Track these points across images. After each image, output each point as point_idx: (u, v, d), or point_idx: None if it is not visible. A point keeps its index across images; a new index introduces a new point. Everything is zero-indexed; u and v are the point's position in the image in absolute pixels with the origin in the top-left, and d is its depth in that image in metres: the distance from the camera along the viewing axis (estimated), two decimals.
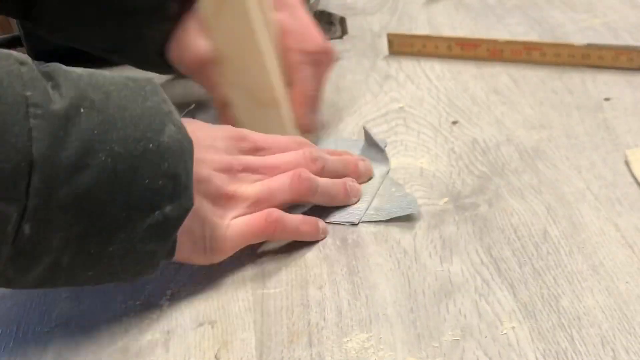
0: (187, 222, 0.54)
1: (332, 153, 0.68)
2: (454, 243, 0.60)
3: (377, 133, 0.76)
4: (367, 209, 0.65)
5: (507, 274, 0.57)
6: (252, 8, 0.68)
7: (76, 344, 0.56)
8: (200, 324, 0.56)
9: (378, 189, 0.68)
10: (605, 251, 0.58)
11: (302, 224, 0.62)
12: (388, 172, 0.70)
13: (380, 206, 0.65)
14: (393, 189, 0.67)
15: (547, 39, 0.90)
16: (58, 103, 0.49)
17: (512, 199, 0.65)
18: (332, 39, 0.92)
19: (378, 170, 0.70)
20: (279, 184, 0.61)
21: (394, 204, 0.65)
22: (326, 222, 0.64)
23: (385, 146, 0.73)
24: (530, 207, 0.63)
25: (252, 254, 0.62)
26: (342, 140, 0.75)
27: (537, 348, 0.50)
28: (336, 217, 0.65)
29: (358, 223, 0.64)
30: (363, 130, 0.74)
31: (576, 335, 0.51)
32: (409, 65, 0.89)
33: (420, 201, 0.66)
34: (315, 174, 0.63)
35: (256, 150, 0.64)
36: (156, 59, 0.76)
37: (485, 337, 0.52)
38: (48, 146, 0.47)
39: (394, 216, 0.64)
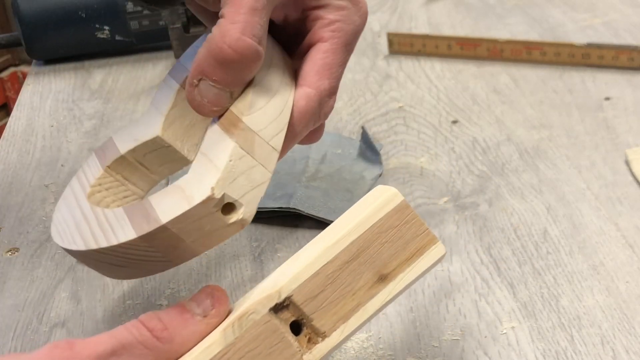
0: None
1: None
2: (454, 242, 0.60)
3: (376, 132, 0.76)
4: None
5: (507, 274, 0.57)
6: None
7: None
8: None
9: (368, 192, 0.67)
10: (605, 251, 0.58)
11: None
12: (380, 175, 0.70)
13: None
14: None
15: (547, 38, 0.90)
16: None
17: (512, 199, 0.64)
18: None
19: (370, 171, 0.70)
20: None
21: None
22: (311, 216, 0.64)
23: (380, 149, 0.73)
24: (531, 207, 0.63)
25: (251, 253, 0.62)
26: (340, 137, 0.75)
27: (537, 348, 0.50)
28: (322, 213, 0.64)
29: None
30: (362, 130, 0.73)
31: (576, 334, 0.51)
32: (408, 65, 0.89)
33: (420, 200, 0.66)
34: None
35: None
36: None
37: (485, 336, 0.51)
38: None
39: None
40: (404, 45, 0.91)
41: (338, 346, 0.41)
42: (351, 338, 0.52)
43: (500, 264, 0.58)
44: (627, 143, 0.70)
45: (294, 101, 0.47)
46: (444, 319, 0.53)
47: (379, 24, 1.00)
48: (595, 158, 0.68)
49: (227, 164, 0.43)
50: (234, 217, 0.43)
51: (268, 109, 0.46)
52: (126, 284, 0.61)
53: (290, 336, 0.41)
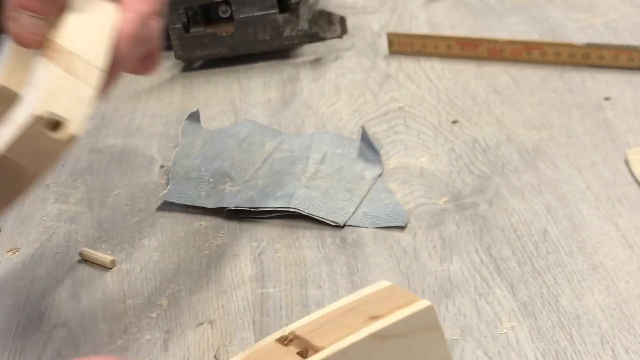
0: None
1: None
2: (454, 242, 0.60)
3: (376, 132, 0.76)
4: (355, 211, 0.65)
5: (507, 274, 0.57)
6: None
7: (75, 344, 0.56)
8: (200, 324, 0.56)
9: (368, 192, 0.68)
10: (605, 251, 0.58)
11: None
12: (380, 175, 0.70)
13: (369, 212, 0.65)
14: (383, 195, 0.67)
15: (547, 38, 0.90)
16: None
17: (512, 199, 0.64)
18: (331, 38, 0.92)
19: (370, 171, 0.70)
20: None
21: (383, 213, 0.65)
22: (311, 216, 0.64)
23: (380, 149, 0.73)
24: (530, 207, 0.63)
25: (251, 253, 0.62)
26: (340, 137, 0.75)
27: (537, 347, 0.50)
28: (322, 213, 0.65)
29: (343, 225, 0.64)
30: (361, 130, 0.73)
31: (576, 334, 0.51)
32: (408, 65, 0.89)
33: (420, 200, 0.66)
34: None
35: None
36: None
37: (485, 336, 0.52)
38: None
39: (381, 225, 0.63)
40: (404, 45, 0.91)
41: (335, 358, 0.43)
42: None
43: (500, 264, 0.58)
44: (627, 143, 0.70)
45: (116, 25, 0.50)
46: (444, 319, 0.53)
47: (379, 24, 1.00)
48: (595, 158, 0.68)
49: (48, 84, 0.47)
50: (63, 134, 0.46)
51: (86, 31, 0.49)
52: (126, 284, 0.61)
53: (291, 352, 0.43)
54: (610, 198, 0.63)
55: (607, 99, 0.77)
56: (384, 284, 0.48)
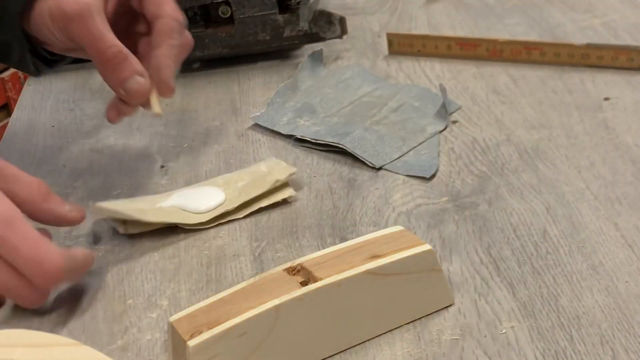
0: None
1: None
2: (454, 242, 0.60)
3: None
4: (397, 158, 0.70)
5: (507, 274, 0.57)
6: None
7: None
8: None
9: (420, 143, 0.72)
10: (604, 251, 0.58)
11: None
12: (442, 130, 0.74)
13: (408, 160, 0.70)
14: (425, 151, 0.71)
15: (546, 38, 0.90)
16: None
17: (511, 199, 0.65)
18: (331, 38, 0.92)
19: (433, 126, 0.75)
20: None
21: (417, 162, 0.70)
22: (349, 150, 0.71)
23: (456, 108, 0.77)
24: (530, 207, 0.63)
25: (251, 253, 0.62)
26: (425, 91, 0.81)
27: (537, 347, 0.50)
28: (366, 154, 0.70)
29: (379, 168, 0.69)
30: (440, 87, 0.77)
31: (575, 334, 0.51)
32: (408, 65, 0.89)
33: (419, 200, 0.66)
34: None
35: None
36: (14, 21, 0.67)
37: (485, 336, 0.52)
38: None
39: (411, 174, 0.68)
40: (403, 46, 0.91)
41: (329, 288, 0.50)
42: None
43: (499, 264, 0.58)
44: (627, 143, 0.70)
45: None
46: (444, 319, 0.53)
47: (378, 25, 1.00)
48: (595, 158, 0.68)
49: None
50: None
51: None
52: (127, 284, 0.61)
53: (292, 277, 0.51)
54: (609, 198, 0.63)
55: (606, 99, 0.77)
56: (397, 228, 0.55)
